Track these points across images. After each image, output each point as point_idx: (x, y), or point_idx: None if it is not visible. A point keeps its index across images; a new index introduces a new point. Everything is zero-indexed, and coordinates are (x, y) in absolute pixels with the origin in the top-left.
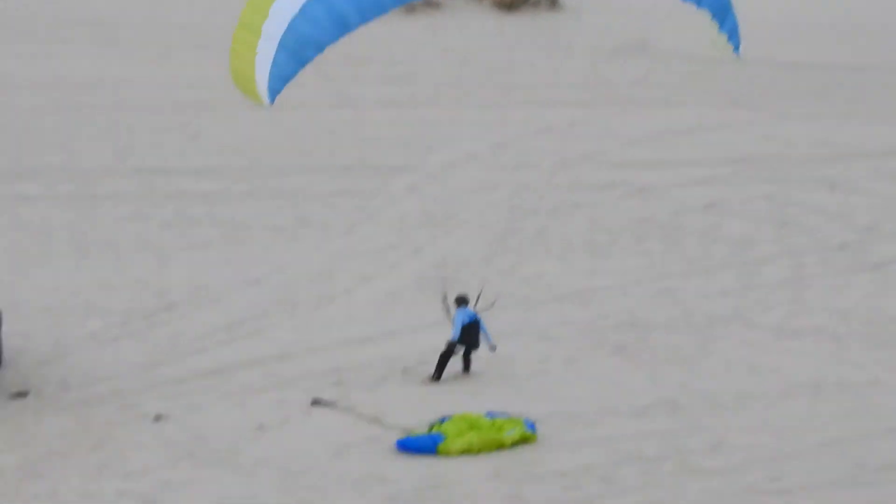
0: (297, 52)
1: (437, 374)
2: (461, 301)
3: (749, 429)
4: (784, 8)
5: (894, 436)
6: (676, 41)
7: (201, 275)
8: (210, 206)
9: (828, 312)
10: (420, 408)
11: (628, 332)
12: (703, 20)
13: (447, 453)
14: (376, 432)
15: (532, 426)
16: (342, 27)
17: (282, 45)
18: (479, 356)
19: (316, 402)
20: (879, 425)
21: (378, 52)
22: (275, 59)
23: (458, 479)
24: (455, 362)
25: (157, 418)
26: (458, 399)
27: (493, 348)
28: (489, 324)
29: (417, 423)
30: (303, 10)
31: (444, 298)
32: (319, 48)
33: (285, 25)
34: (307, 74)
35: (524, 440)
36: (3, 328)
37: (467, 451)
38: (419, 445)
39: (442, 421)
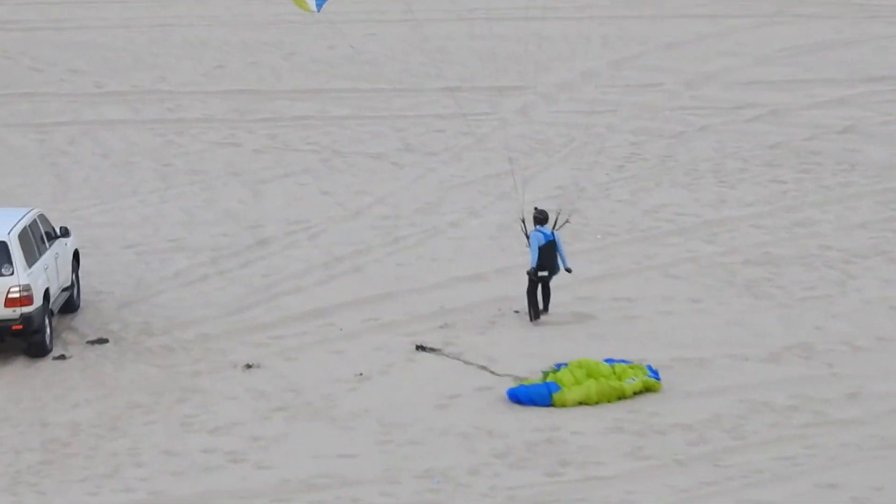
0: None
1: (533, 312)
2: (540, 219)
3: (890, 376)
4: None
5: None
6: None
7: (297, 207)
8: (306, 131)
9: None
10: (533, 354)
11: (759, 268)
12: None
13: (563, 404)
14: (485, 381)
15: (655, 374)
16: None
17: None
18: (599, 293)
19: (420, 348)
20: None
21: None
22: None
23: (574, 432)
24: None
25: (248, 367)
26: (574, 344)
27: (568, 270)
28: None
29: (530, 371)
30: None
31: (523, 221)
32: None
33: None
34: None
35: (647, 389)
36: (81, 267)
37: (585, 402)
38: (532, 395)
39: (557, 368)
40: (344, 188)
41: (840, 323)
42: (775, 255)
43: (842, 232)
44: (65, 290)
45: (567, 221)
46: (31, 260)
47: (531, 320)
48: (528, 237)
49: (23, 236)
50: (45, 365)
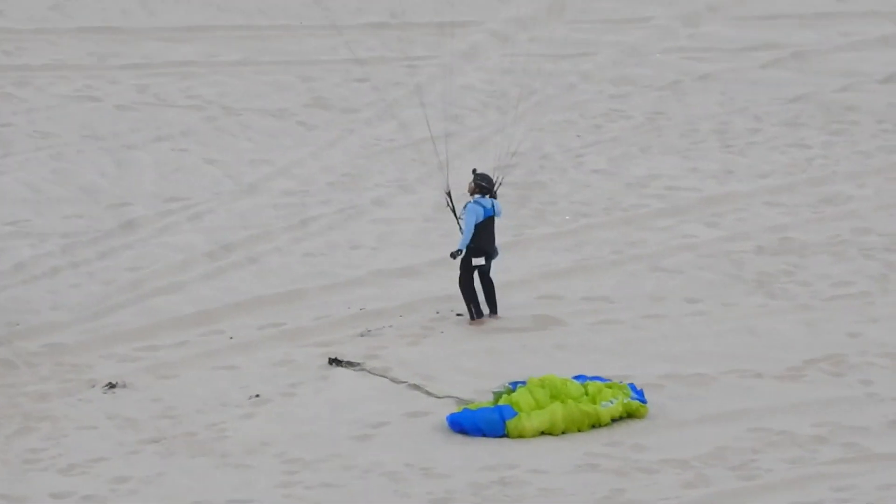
0: None
1: (474, 308)
2: (484, 187)
3: None
4: None
5: None
6: None
7: (174, 180)
8: (186, 82)
9: None
10: (482, 370)
11: (775, 259)
12: None
13: (520, 434)
14: (420, 404)
15: (640, 395)
16: None
17: None
18: (568, 291)
19: (335, 362)
20: None
21: None
22: None
23: (534, 471)
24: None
25: (111, 387)
26: (535, 357)
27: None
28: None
29: (477, 391)
30: None
31: (449, 194)
32: None
33: None
34: None
35: (629, 414)
36: None
37: (548, 431)
38: (480, 423)
39: (513, 388)
40: (236, 156)
41: (879, 329)
42: (797, 242)
43: (883, 211)
44: None
45: (499, 184)
46: None
47: (472, 320)
48: (456, 214)
49: None
50: None
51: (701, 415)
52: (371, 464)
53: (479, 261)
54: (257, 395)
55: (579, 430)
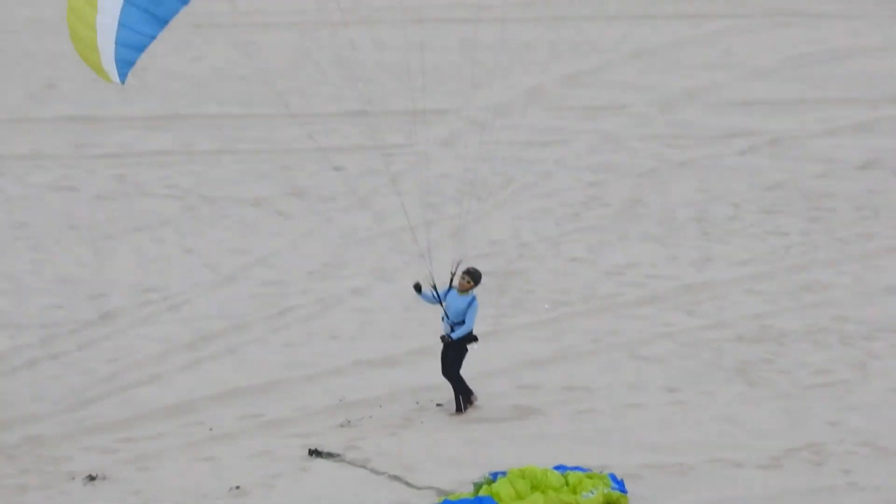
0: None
1: (462, 400)
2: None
3: None
4: None
5: None
6: None
7: (152, 270)
8: (163, 171)
9: None
10: (462, 460)
11: (755, 347)
12: None
13: None
14: (400, 496)
15: (621, 485)
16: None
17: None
18: (547, 380)
19: (314, 454)
20: None
21: None
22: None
23: None
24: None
25: (91, 479)
26: (516, 447)
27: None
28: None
29: (458, 482)
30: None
31: (434, 287)
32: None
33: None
34: None
35: None
36: None
37: None
38: None
39: (493, 478)
40: (214, 245)
41: (860, 417)
42: (776, 330)
43: (862, 298)
44: None
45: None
46: None
47: (456, 412)
48: (441, 300)
49: None
50: None
51: None
52: None
53: (472, 345)
54: (237, 487)
55: None
